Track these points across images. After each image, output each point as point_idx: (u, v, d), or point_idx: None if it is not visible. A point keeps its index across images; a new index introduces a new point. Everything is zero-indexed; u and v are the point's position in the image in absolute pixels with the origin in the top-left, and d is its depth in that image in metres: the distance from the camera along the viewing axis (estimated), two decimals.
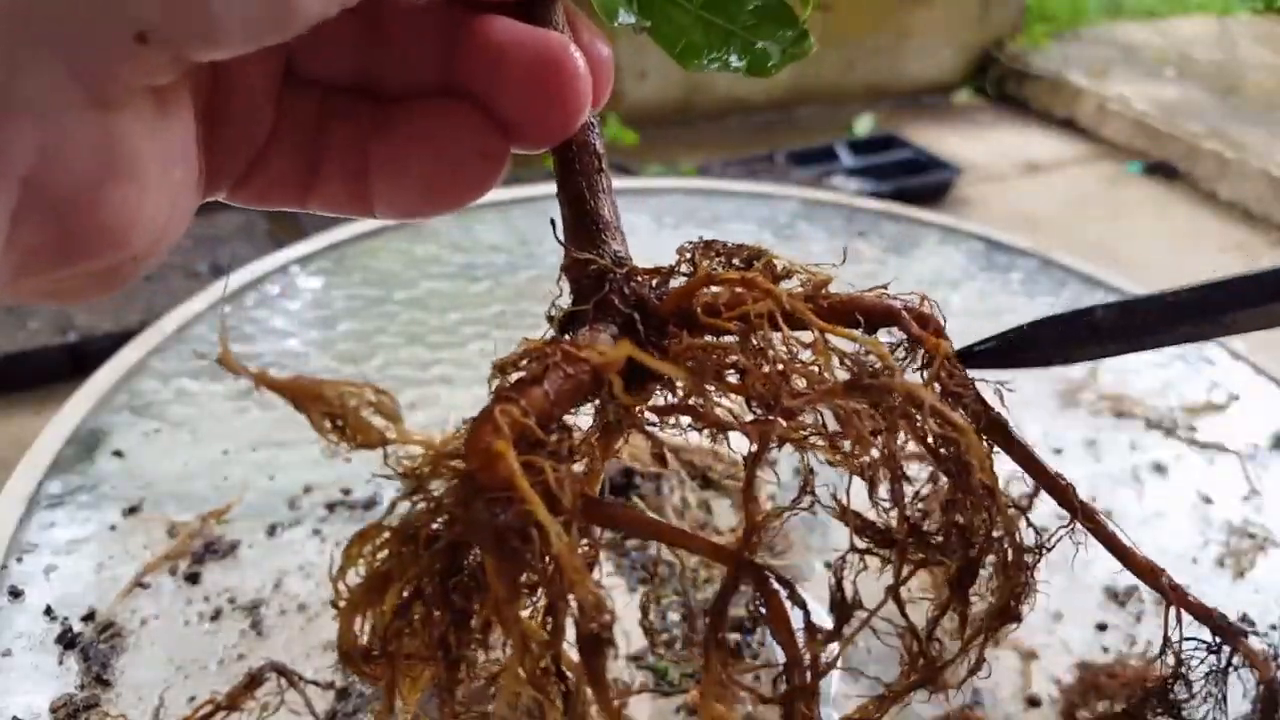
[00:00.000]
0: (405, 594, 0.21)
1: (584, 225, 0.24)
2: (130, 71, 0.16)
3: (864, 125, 2.82)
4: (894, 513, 0.24)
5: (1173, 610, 0.26)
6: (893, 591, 0.24)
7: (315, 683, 0.43)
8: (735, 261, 0.24)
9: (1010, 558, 0.23)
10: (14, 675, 0.43)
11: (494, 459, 0.19)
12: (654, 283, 0.24)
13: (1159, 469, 0.61)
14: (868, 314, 0.24)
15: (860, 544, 0.25)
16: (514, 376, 0.21)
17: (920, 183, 2.40)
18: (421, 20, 0.22)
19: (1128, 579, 0.53)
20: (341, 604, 0.20)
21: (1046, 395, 0.68)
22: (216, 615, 0.47)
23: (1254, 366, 0.72)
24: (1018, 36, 3.35)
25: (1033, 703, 0.46)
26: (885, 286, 0.25)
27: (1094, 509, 0.25)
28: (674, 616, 0.48)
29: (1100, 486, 0.59)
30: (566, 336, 0.23)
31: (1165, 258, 2.17)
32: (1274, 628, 0.50)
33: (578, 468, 0.22)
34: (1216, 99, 2.99)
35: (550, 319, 0.24)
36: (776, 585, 0.23)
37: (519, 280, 0.77)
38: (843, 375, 0.23)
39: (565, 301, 0.25)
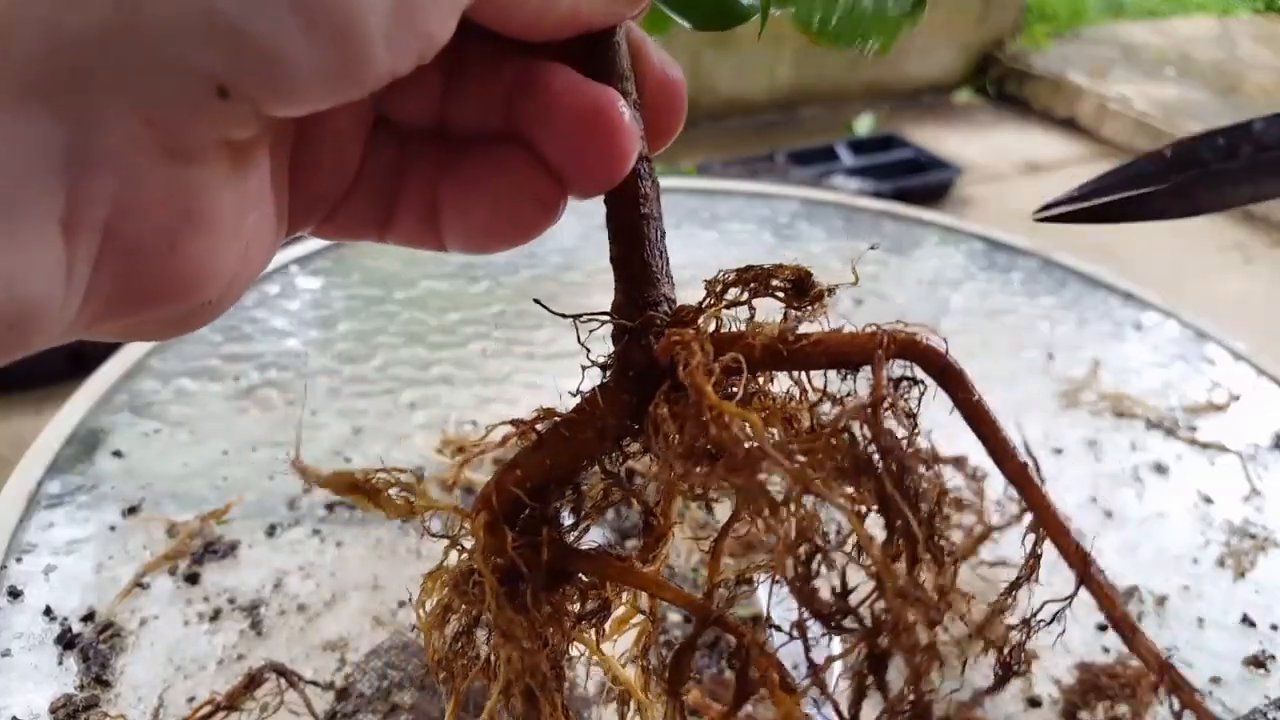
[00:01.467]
0: (462, 622, 0.25)
1: (621, 272, 0.25)
2: (209, 125, 0.16)
3: (864, 125, 2.83)
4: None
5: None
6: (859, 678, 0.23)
7: (315, 683, 0.43)
8: (776, 284, 0.24)
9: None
10: (13, 675, 0.43)
11: (477, 529, 0.23)
12: (675, 324, 0.24)
13: (1160, 469, 0.61)
14: (840, 357, 0.23)
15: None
16: (535, 430, 0.24)
17: (920, 183, 2.40)
18: (496, 68, 0.23)
19: (1127, 579, 0.53)
20: (422, 625, 0.25)
21: (1047, 395, 0.68)
22: (216, 615, 0.47)
23: (1255, 367, 0.72)
24: (1018, 36, 3.36)
25: (1033, 703, 0.46)
26: (880, 327, 0.23)
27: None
28: (674, 617, 0.48)
29: (1101, 486, 0.59)
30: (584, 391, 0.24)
31: (1165, 258, 2.17)
32: (1274, 628, 0.50)
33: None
34: (1216, 99, 2.99)
35: (594, 364, 0.25)
36: (744, 632, 0.24)
37: (519, 280, 0.77)
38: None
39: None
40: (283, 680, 0.42)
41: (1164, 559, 0.54)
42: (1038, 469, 0.52)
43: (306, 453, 0.58)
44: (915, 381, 0.23)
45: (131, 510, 0.52)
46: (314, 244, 0.79)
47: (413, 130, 0.23)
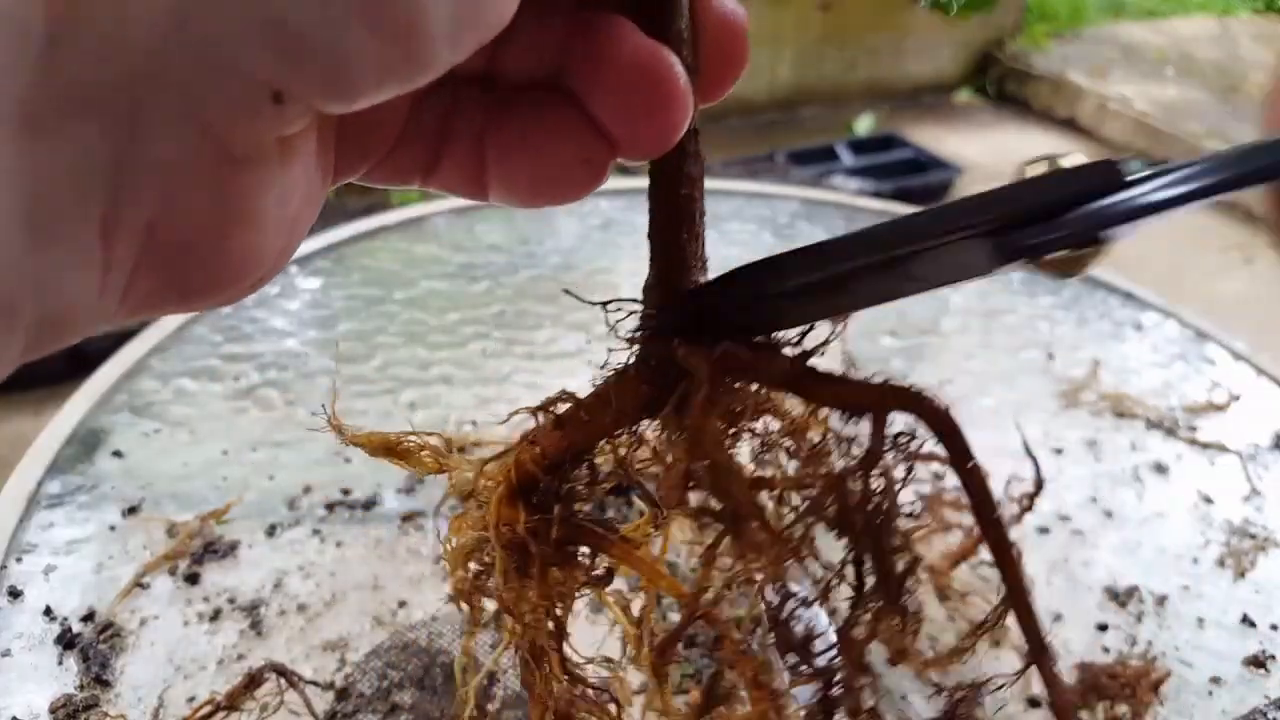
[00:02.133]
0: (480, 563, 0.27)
1: (656, 252, 0.25)
2: (263, 130, 0.16)
3: (864, 125, 2.82)
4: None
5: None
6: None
7: (315, 683, 0.43)
8: None
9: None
10: (13, 675, 0.43)
11: (494, 501, 0.25)
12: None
13: (1160, 469, 0.61)
14: (844, 402, 0.23)
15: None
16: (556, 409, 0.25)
17: (921, 182, 2.40)
18: (550, 16, 0.22)
19: (1128, 580, 0.53)
20: (449, 562, 0.27)
21: (1047, 395, 0.68)
22: (216, 615, 0.47)
23: (1255, 367, 0.72)
24: (1018, 36, 3.36)
25: (1033, 703, 0.46)
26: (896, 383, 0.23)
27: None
28: (674, 617, 0.48)
29: (1101, 486, 0.59)
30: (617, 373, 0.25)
31: (1165, 258, 2.16)
32: (1274, 628, 0.50)
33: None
34: (1216, 99, 2.99)
35: (629, 341, 0.25)
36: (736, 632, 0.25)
37: (519, 280, 0.77)
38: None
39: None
40: (283, 680, 0.42)
41: (1164, 559, 0.54)
42: (1038, 469, 0.52)
43: (306, 453, 0.58)
44: (913, 436, 0.23)
45: (131, 510, 0.52)
46: (314, 244, 0.79)
47: (461, 78, 0.22)
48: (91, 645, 0.44)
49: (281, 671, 0.42)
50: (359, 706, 0.42)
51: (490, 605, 0.27)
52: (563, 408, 0.25)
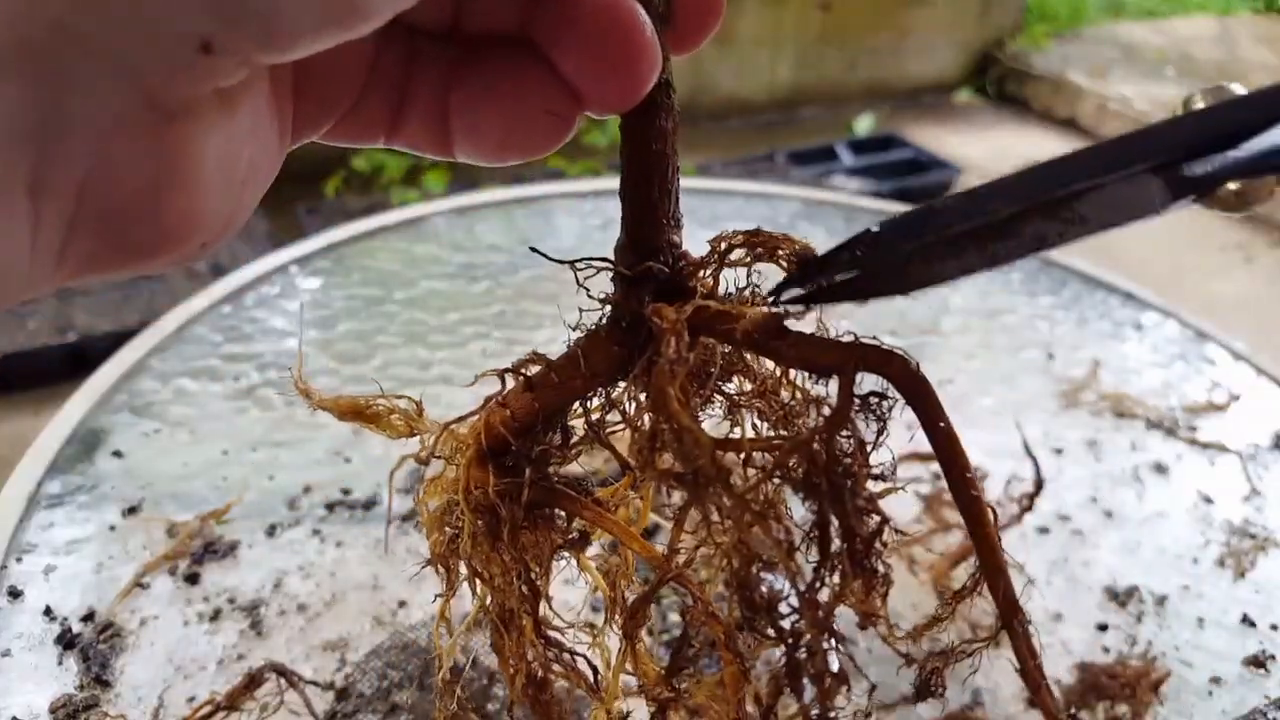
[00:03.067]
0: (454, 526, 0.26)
1: (629, 211, 0.24)
2: (193, 83, 0.15)
3: (864, 125, 2.82)
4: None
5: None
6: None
7: (315, 683, 0.43)
8: (782, 253, 0.24)
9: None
10: (13, 675, 0.43)
11: (464, 464, 0.24)
12: (675, 278, 0.24)
13: (1160, 469, 0.61)
14: (813, 362, 0.22)
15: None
16: (527, 371, 0.25)
17: (921, 182, 2.40)
18: None
19: (1128, 580, 0.53)
20: (426, 524, 0.27)
21: (1047, 395, 0.68)
22: (216, 615, 0.47)
23: (1255, 367, 0.71)
24: (1018, 36, 3.35)
25: (1033, 703, 0.46)
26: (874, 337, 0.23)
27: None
28: (674, 617, 0.48)
29: (1101, 486, 0.59)
30: (574, 337, 0.24)
31: (1165, 258, 2.16)
32: (1274, 628, 0.50)
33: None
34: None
35: (601, 301, 0.24)
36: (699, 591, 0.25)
37: (519, 280, 0.77)
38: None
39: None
40: (283, 680, 0.42)
41: (1164, 559, 0.54)
42: (1038, 469, 0.52)
43: (306, 453, 0.58)
44: (885, 397, 0.22)
45: (131, 510, 0.52)
46: (314, 244, 0.79)
47: (425, 32, 0.22)
48: (91, 645, 0.44)
49: (281, 671, 0.42)
50: (359, 706, 0.42)
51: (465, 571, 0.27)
52: (533, 369, 0.24)
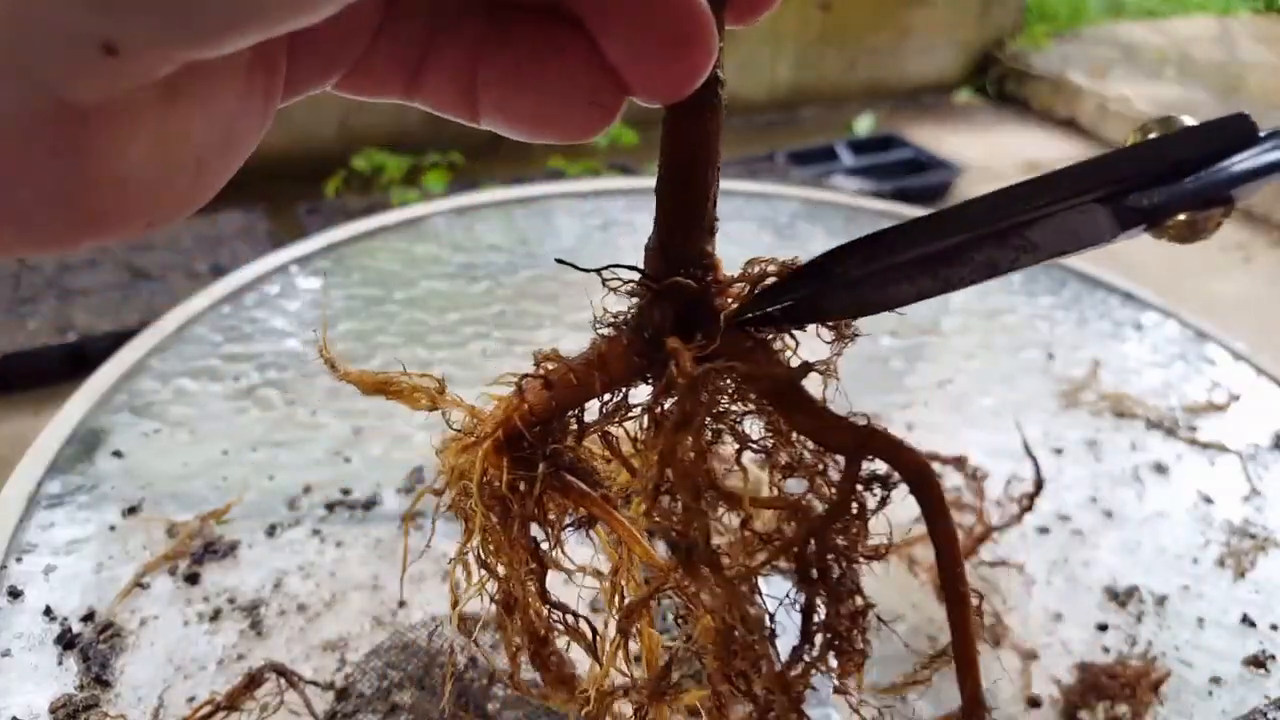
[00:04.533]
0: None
1: (663, 212, 0.23)
2: (105, 83, 0.14)
3: (864, 125, 2.82)
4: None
5: None
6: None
7: (315, 683, 0.43)
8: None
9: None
10: (13, 675, 0.43)
11: (484, 454, 0.25)
12: (701, 294, 0.24)
13: (1160, 469, 0.61)
14: (821, 437, 0.22)
15: None
16: (546, 366, 0.25)
17: (920, 182, 2.40)
18: None
19: (1128, 580, 0.53)
20: (447, 476, 0.26)
21: (1047, 395, 0.68)
22: (216, 615, 0.47)
23: (1255, 367, 0.71)
24: (1018, 36, 3.35)
25: (1033, 703, 0.46)
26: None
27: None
28: (674, 617, 0.48)
29: (1101, 486, 0.59)
30: (601, 335, 0.24)
31: (1165, 258, 2.16)
32: (1274, 628, 0.50)
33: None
34: (1216, 99, 2.99)
35: (630, 293, 0.24)
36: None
37: (519, 280, 0.77)
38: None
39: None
40: (283, 680, 0.42)
41: (1164, 559, 0.54)
42: (1038, 469, 0.52)
43: (306, 453, 0.58)
44: (887, 483, 0.22)
45: (131, 510, 0.52)
46: (314, 244, 0.79)
47: None
48: (91, 645, 0.44)
49: (281, 671, 0.42)
50: (359, 706, 0.42)
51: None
52: (551, 367, 0.24)
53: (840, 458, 0.22)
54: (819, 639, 0.22)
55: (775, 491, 0.23)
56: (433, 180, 2.08)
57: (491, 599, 0.26)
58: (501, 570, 0.25)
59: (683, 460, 0.21)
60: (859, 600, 0.22)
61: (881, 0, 3.04)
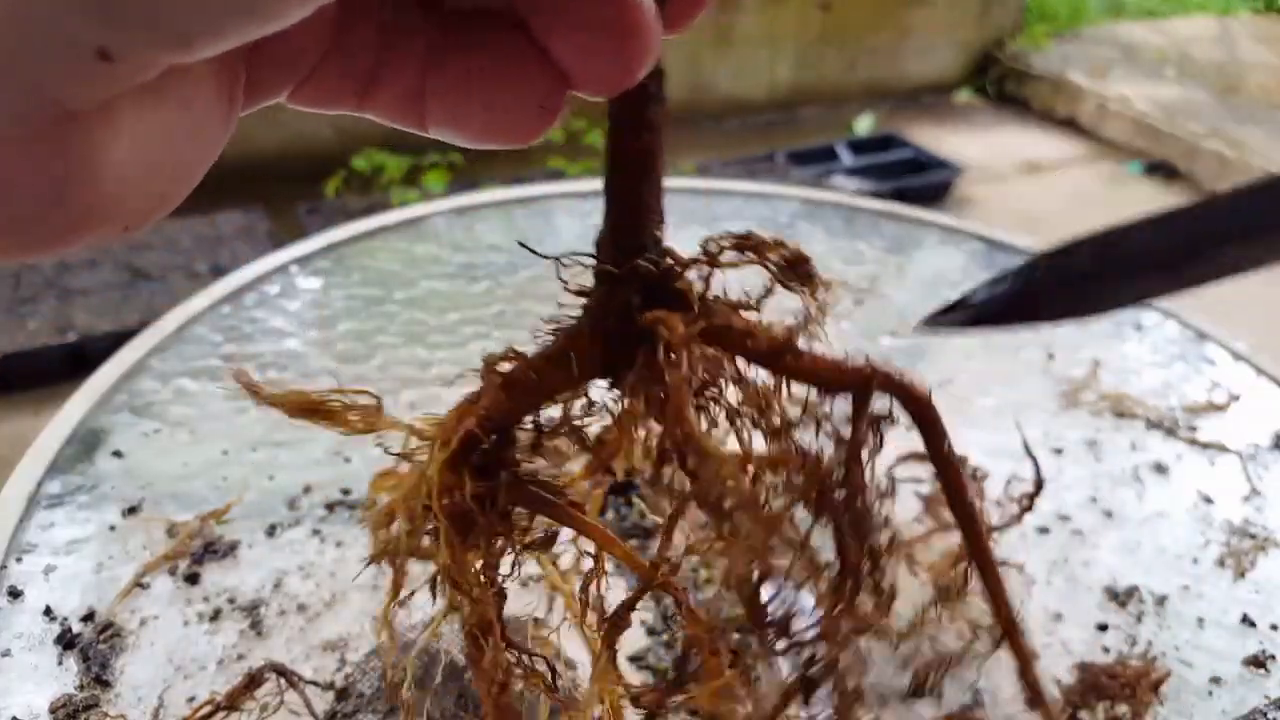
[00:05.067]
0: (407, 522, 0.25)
1: (611, 204, 0.23)
2: (99, 87, 0.15)
3: (864, 125, 2.82)
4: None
5: None
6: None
7: (315, 683, 0.43)
8: (772, 258, 0.23)
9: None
10: (13, 675, 0.43)
11: (435, 466, 0.23)
12: (663, 277, 0.24)
13: (1160, 469, 0.61)
14: (829, 380, 0.22)
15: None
16: (500, 368, 0.24)
17: (920, 182, 2.40)
18: None
19: (1128, 580, 0.53)
20: (372, 521, 0.26)
21: (1047, 395, 0.67)
22: (216, 615, 0.47)
23: (1255, 367, 0.71)
24: (1018, 36, 3.35)
25: (1033, 704, 0.46)
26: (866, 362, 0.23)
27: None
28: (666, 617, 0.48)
29: (1101, 486, 0.59)
30: (554, 332, 0.24)
31: None
32: (1274, 628, 0.50)
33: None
34: (1216, 99, 2.99)
35: (577, 292, 0.24)
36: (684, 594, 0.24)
37: (519, 280, 0.77)
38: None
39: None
40: (283, 680, 0.42)
41: (1164, 559, 0.54)
42: (1038, 469, 0.52)
43: (306, 453, 0.58)
44: (892, 419, 0.23)
45: (131, 510, 0.52)
46: (314, 244, 0.79)
47: (397, 2, 0.21)
48: (91, 645, 0.44)
49: (281, 671, 0.42)
50: (359, 706, 0.42)
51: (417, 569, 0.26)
52: (508, 367, 0.24)
53: (844, 399, 0.22)
54: (848, 585, 0.22)
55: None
56: (433, 180, 2.08)
57: (463, 624, 0.25)
58: (474, 591, 0.24)
59: (687, 420, 0.21)
60: (882, 538, 0.22)
61: (881, 0, 3.04)
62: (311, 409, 0.25)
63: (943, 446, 0.23)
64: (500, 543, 0.24)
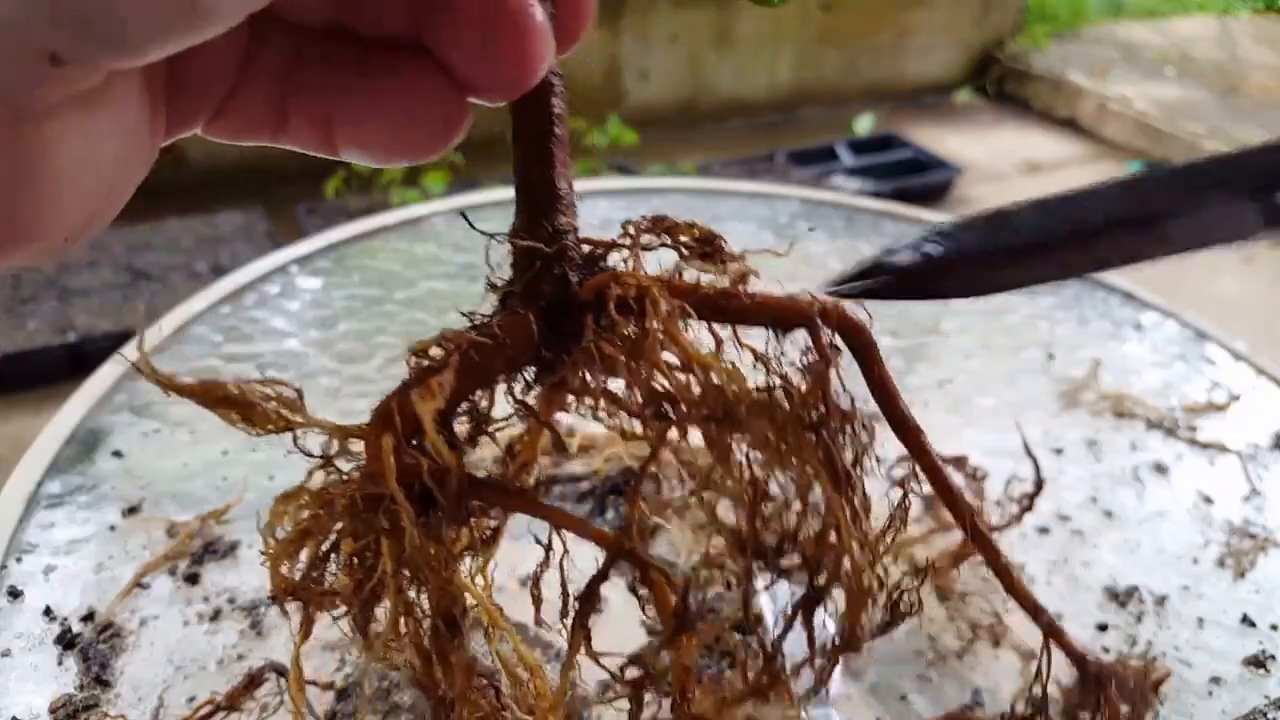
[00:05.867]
0: (322, 547, 0.24)
1: (527, 193, 0.24)
2: (48, 91, 0.15)
3: (864, 125, 2.82)
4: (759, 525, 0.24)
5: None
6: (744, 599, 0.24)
7: (315, 683, 0.43)
8: (684, 239, 0.24)
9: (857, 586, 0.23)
10: (13, 675, 0.43)
11: (377, 453, 0.22)
12: (588, 260, 0.24)
13: (1160, 469, 0.61)
14: (779, 316, 0.23)
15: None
16: (428, 359, 0.23)
17: (921, 182, 2.40)
18: None
19: (1128, 580, 0.53)
20: (270, 553, 0.24)
21: (1047, 395, 0.68)
22: (216, 615, 0.47)
23: (1255, 367, 0.72)
24: (1018, 36, 3.36)
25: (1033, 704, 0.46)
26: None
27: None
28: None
29: (1101, 486, 0.59)
30: (490, 318, 0.24)
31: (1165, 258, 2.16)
32: (1274, 628, 0.50)
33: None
34: (1216, 99, 2.99)
35: (491, 287, 0.24)
36: (655, 570, 0.25)
37: None
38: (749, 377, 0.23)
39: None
40: (283, 680, 0.42)
41: (1164, 559, 0.54)
42: (1038, 469, 0.52)
43: None
44: (837, 349, 0.24)
45: (131, 510, 0.52)
46: (314, 244, 0.79)
47: (306, 29, 0.22)
48: (91, 645, 0.44)
49: (281, 671, 0.42)
50: (359, 706, 0.42)
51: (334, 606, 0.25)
52: (441, 353, 0.23)
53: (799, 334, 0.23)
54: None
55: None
56: (433, 180, 2.08)
57: (410, 637, 0.24)
58: (439, 583, 0.23)
59: (681, 339, 0.21)
60: (864, 439, 0.23)
61: (882, 1, 3.04)
62: (227, 400, 0.24)
63: (876, 369, 0.24)
64: (457, 531, 0.24)
